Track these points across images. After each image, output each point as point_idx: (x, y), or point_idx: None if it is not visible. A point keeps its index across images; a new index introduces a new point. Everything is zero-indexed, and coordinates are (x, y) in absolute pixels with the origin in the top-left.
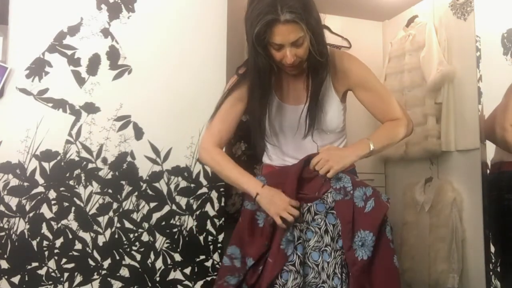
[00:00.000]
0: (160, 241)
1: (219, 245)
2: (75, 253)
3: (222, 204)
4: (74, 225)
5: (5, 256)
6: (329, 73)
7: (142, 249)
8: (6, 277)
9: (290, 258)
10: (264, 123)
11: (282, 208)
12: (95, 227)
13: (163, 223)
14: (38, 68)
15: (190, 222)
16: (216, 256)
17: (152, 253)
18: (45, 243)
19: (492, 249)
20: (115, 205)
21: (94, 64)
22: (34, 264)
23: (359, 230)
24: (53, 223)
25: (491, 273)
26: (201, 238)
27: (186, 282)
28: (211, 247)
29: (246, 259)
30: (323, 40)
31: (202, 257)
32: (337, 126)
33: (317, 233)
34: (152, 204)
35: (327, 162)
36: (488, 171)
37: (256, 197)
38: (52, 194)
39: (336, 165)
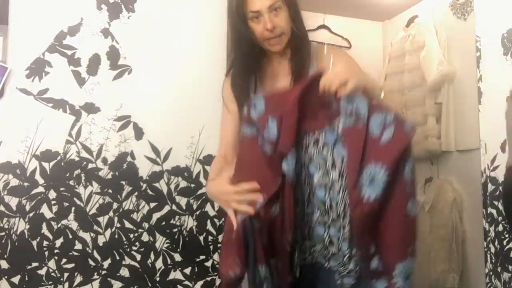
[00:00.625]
0: (160, 241)
1: (219, 245)
2: (75, 253)
3: None
4: (74, 225)
5: (5, 256)
6: (315, 68)
7: (142, 249)
8: (6, 277)
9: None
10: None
11: (232, 200)
12: (95, 227)
13: (163, 223)
14: (38, 68)
15: (190, 222)
16: (216, 256)
17: (152, 253)
18: (45, 243)
19: (492, 249)
20: (115, 205)
21: (94, 64)
22: (34, 264)
23: (369, 163)
24: (53, 223)
25: (491, 273)
26: (201, 238)
27: (186, 282)
28: (211, 247)
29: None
30: (301, 18)
31: (202, 257)
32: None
33: (321, 168)
34: (152, 204)
35: (341, 75)
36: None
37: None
38: (52, 194)
39: (353, 78)
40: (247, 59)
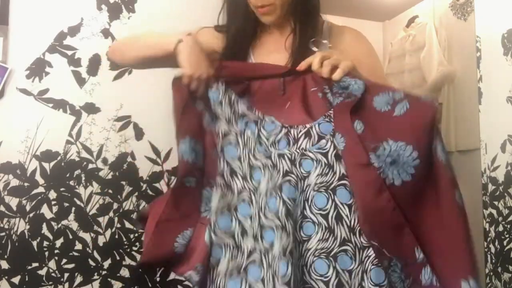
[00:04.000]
0: None
1: None
2: (75, 254)
3: None
4: (74, 225)
5: (5, 257)
6: (327, 50)
7: (142, 250)
8: (6, 277)
9: (223, 224)
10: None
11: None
12: (96, 227)
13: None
14: (38, 69)
15: None
16: None
17: None
18: (45, 243)
19: (493, 249)
20: (115, 206)
21: (94, 65)
22: (34, 265)
23: (386, 140)
24: (53, 223)
25: (491, 273)
26: None
27: (186, 282)
28: None
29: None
30: None
31: None
32: None
33: (320, 162)
34: None
35: (333, 57)
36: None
37: (177, 45)
38: (52, 195)
39: (346, 62)
40: (242, 32)
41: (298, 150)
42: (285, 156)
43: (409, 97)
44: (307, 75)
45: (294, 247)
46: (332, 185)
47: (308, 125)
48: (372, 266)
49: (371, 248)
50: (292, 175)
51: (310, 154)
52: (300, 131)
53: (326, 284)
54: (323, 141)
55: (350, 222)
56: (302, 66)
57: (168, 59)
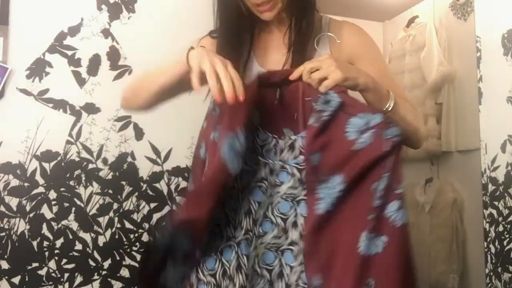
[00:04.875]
0: None
1: None
2: (75, 254)
3: None
4: (74, 225)
5: (6, 257)
6: (327, 45)
7: (142, 250)
8: (6, 277)
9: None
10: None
11: (217, 60)
12: (96, 227)
13: (164, 223)
14: (38, 69)
15: None
16: None
17: None
18: (45, 243)
19: (493, 249)
20: (115, 206)
21: (94, 65)
22: (35, 265)
23: (336, 174)
24: (53, 223)
25: (491, 273)
26: None
27: None
28: None
29: None
30: None
31: None
32: None
33: (294, 176)
34: (153, 205)
35: (323, 68)
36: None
37: (188, 54)
38: (52, 195)
39: (338, 70)
40: (235, 29)
41: (280, 162)
42: (267, 166)
43: (377, 128)
44: (304, 82)
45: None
46: (298, 198)
47: (293, 137)
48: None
49: None
50: (265, 182)
51: (288, 167)
52: (286, 142)
53: (269, 272)
54: (302, 157)
55: (303, 229)
56: (293, 75)
57: (185, 79)
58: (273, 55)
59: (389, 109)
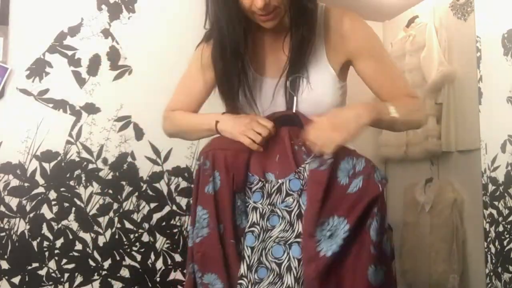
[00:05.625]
0: (161, 242)
1: None
2: (75, 254)
3: None
4: (74, 225)
5: (6, 257)
6: (322, 38)
7: (142, 250)
8: (6, 277)
9: None
10: (235, 94)
11: (248, 127)
12: (96, 227)
13: (164, 223)
14: (38, 69)
15: None
16: None
17: (152, 253)
18: (45, 243)
19: (493, 249)
20: (115, 206)
21: (94, 65)
22: (35, 265)
23: (332, 216)
24: (53, 223)
25: (491, 273)
26: None
27: None
28: None
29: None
30: None
31: None
32: (329, 108)
33: (285, 219)
34: (153, 205)
35: (318, 144)
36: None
37: (217, 126)
38: (52, 195)
39: (339, 136)
40: (233, 36)
41: (269, 206)
42: (257, 210)
43: (365, 172)
44: (286, 127)
45: None
46: (290, 241)
47: (280, 181)
48: None
49: None
50: (257, 227)
51: (278, 211)
52: (274, 185)
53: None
54: (290, 199)
55: (297, 273)
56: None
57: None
58: (269, 59)
59: (391, 115)
